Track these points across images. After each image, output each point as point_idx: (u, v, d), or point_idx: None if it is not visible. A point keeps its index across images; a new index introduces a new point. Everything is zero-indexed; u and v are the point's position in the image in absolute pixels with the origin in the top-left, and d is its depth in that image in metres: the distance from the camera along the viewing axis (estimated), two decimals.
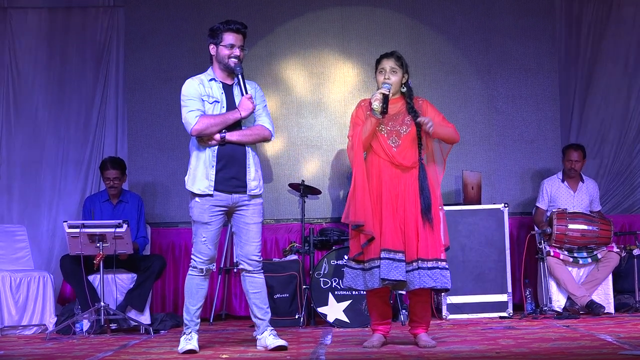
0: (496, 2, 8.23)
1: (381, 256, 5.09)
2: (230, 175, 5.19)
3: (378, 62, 5.30)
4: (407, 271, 5.10)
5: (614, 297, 7.30)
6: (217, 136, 5.17)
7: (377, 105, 5.12)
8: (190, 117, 5.18)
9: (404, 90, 5.31)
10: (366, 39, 8.13)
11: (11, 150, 8.08)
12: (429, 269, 5.10)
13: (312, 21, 8.20)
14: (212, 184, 5.17)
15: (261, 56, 8.09)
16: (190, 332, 5.25)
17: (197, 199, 5.20)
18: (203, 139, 5.19)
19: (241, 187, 5.22)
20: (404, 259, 5.10)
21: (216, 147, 5.19)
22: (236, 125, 5.22)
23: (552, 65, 8.23)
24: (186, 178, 5.25)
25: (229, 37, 5.25)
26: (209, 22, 7.87)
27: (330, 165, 8.10)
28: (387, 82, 5.20)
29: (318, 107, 8.18)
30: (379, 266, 5.09)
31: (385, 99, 5.15)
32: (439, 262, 5.13)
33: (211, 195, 5.17)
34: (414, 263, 5.11)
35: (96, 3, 8.24)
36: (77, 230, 6.44)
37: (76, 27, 8.18)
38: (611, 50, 8.37)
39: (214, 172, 5.17)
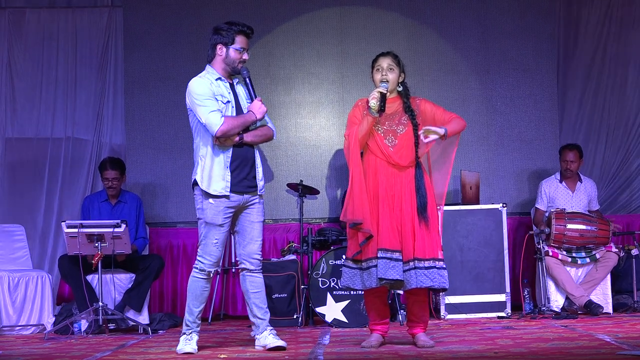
0: (495, 2, 8.23)
1: (378, 256, 5.09)
2: (242, 176, 5.19)
3: (374, 61, 5.31)
4: (404, 271, 5.10)
5: (613, 297, 7.30)
6: (236, 137, 5.17)
7: (374, 103, 5.12)
8: (215, 117, 5.10)
9: (401, 89, 5.31)
10: (364, 39, 8.13)
11: (11, 150, 8.08)
12: (426, 268, 5.10)
13: (310, 21, 8.20)
14: (229, 185, 5.15)
15: (259, 56, 8.09)
16: (191, 333, 5.24)
17: (211, 200, 5.16)
18: (220, 140, 5.15)
19: (252, 187, 5.24)
20: (401, 258, 5.10)
21: (231, 148, 5.17)
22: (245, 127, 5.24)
23: (551, 65, 8.23)
24: (198, 178, 5.18)
25: (242, 40, 5.23)
26: (208, 21, 7.91)
27: (329, 165, 8.10)
28: (384, 81, 5.21)
29: (316, 107, 8.18)
30: (376, 265, 5.09)
31: (383, 97, 5.15)
32: (436, 262, 5.13)
33: (227, 197, 5.16)
34: (410, 263, 5.11)
35: (95, 3, 8.24)
36: (76, 230, 6.44)
37: (75, 27, 8.18)
38: (610, 50, 8.36)
39: (230, 173, 5.17)
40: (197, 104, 5.15)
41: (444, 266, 5.17)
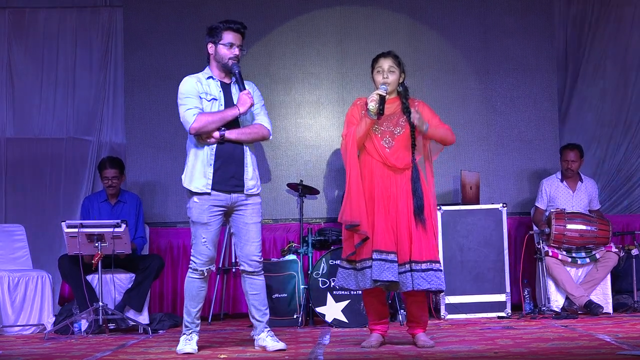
0: (495, 2, 8.23)
1: (373, 257, 5.08)
2: (229, 174, 5.16)
3: (375, 61, 5.29)
4: (400, 273, 5.09)
5: (613, 297, 7.30)
6: (216, 134, 5.12)
7: (373, 106, 5.10)
8: (188, 115, 5.14)
9: (400, 89, 5.30)
10: (365, 38, 8.13)
11: (12, 150, 8.09)
12: (424, 270, 5.08)
13: (310, 21, 8.20)
14: (210, 182, 5.13)
15: (260, 56, 8.09)
16: (191, 333, 5.24)
17: (195, 199, 5.16)
18: (202, 137, 5.15)
19: (239, 186, 5.19)
20: (396, 260, 5.09)
21: (215, 145, 5.15)
22: (234, 124, 5.20)
23: (551, 64, 8.23)
24: (183, 176, 5.21)
25: (229, 36, 5.22)
26: (208, 21, 7.84)
27: (329, 165, 8.10)
28: (384, 84, 5.20)
29: (316, 107, 8.18)
30: (370, 266, 5.08)
31: (382, 100, 5.13)
32: (434, 264, 5.12)
33: (209, 194, 5.14)
34: (406, 265, 5.09)
35: (94, 3, 8.24)
36: (76, 230, 6.44)
37: (75, 26, 8.19)
38: (610, 50, 8.38)
39: (212, 171, 5.13)
40: (179, 102, 5.22)
41: (441, 268, 5.17)
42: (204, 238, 5.17)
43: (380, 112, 5.13)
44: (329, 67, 8.18)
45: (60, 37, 8.18)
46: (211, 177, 5.13)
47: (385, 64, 5.25)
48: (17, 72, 8.15)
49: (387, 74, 5.23)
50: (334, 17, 8.19)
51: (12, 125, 8.13)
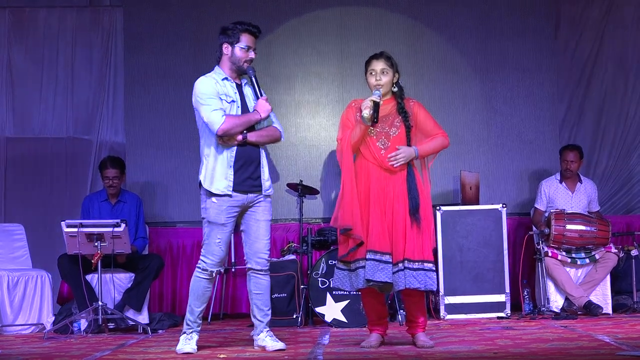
0: (495, 2, 8.23)
1: (367, 257, 5.07)
2: (246, 175, 5.19)
3: (367, 63, 5.26)
4: (393, 272, 5.08)
5: (612, 297, 7.30)
6: (239, 136, 5.15)
7: (367, 113, 5.05)
8: (216, 116, 5.11)
9: (395, 90, 5.28)
10: (365, 39, 8.13)
11: (12, 149, 8.09)
12: (415, 270, 5.07)
13: (311, 21, 8.20)
14: (231, 184, 5.15)
15: (260, 56, 7.97)
16: (192, 333, 5.25)
17: (214, 199, 5.16)
18: (223, 139, 5.15)
19: (256, 187, 5.23)
20: (390, 260, 5.08)
21: (235, 147, 5.17)
22: (251, 127, 5.22)
23: (551, 65, 8.23)
24: (201, 177, 5.20)
25: (247, 39, 5.24)
26: (208, 20, 7.92)
27: (329, 165, 8.10)
28: (378, 90, 5.16)
29: (317, 107, 8.18)
30: (364, 267, 5.08)
31: (376, 107, 5.09)
32: (425, 264, 5.09)
33: (230, 196, 5.16)
34: (400, 264, 5.08)
35: (94, 3, 8.24)
36: (75, 229, 6.44)
37: (75, 26, 8.20)
38: (610, 51, 8.38)
39: (232, 173, 5.16)
40: (201, 102, 5.16)
41: (433, 268, 5.13)
42: (218, 239, 5.19)
43: (375, 119, 5.10)
44: (330, 67, 8.18)
45: (60, 37, 8.19)
46: (232, 179, 5.15)
47: (378, 66, 5.22)
48: (17, 71, 8.16)
49: (380, 75, 5.20)
50: (334, 17, 8.19)
51: (12, 125, 8.14)
